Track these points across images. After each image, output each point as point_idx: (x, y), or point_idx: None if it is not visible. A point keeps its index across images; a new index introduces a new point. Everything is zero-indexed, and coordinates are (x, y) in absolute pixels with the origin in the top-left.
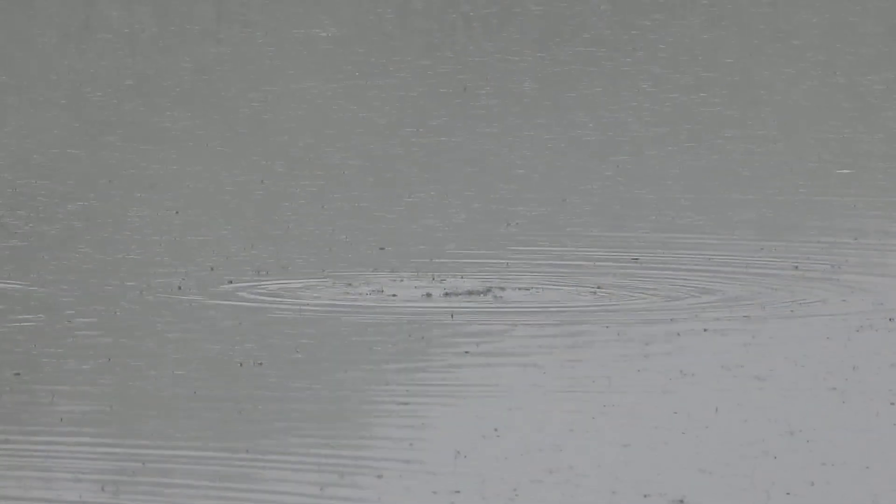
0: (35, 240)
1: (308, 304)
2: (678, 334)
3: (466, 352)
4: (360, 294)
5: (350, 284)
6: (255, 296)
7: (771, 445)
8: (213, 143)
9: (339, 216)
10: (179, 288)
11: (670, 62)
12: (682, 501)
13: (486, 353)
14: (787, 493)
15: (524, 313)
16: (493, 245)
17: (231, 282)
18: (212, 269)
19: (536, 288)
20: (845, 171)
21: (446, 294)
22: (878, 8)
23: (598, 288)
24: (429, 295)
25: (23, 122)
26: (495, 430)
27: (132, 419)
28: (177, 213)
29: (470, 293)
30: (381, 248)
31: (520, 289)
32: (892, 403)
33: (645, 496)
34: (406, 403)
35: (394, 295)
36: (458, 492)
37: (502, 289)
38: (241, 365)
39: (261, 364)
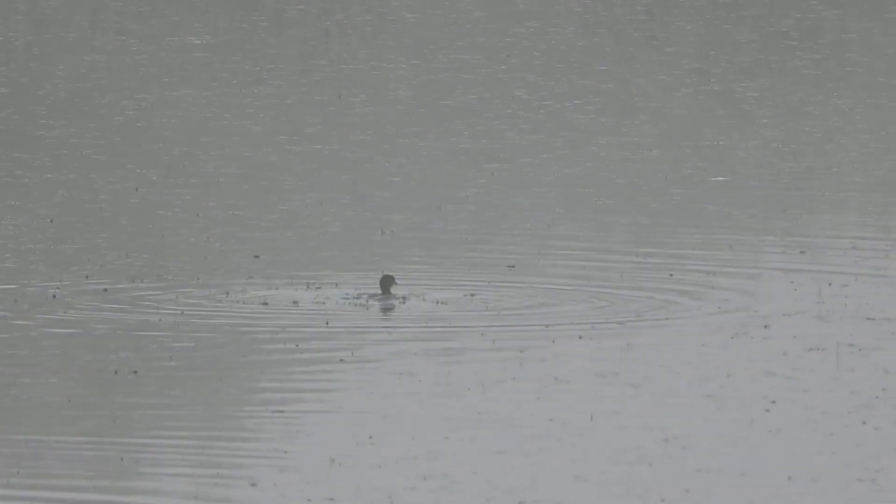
0: None
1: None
2: (553, 341)
3: (341, 359)
4: (235, 302)
5: (228, 294)
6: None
7: (646, 452)
8: (88, 150)
9: (214, 224)
10: (55, 296)
11: (545, 69)
12: None
13: (361, 361)
14: (662, 500)
15: (399, 320)
16: (368, 253)
17: (106, 290)
18: (87, 276)
19: (413, 295)
20: (720, 178)
21: (321, 301)
22: (753, 16)
23: (473, 295)
24: (295, 303)
25: None
26: (370, 437)
27: (7, 427)
28: (51, 221)
29: (345, 300)
30: (256, 256)
31: (395, 296)
32: (767, 410)
33: (520, 503)
34: (281, 411)
35: (265, 303)
36: (333, 499)
37: (377, 295)
38: (115, 373)
39: (136, 372)
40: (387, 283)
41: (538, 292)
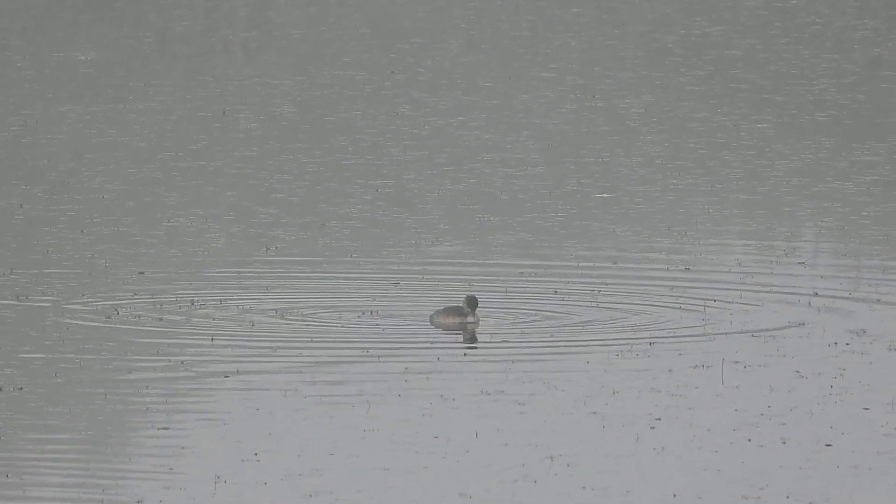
0: None
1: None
2: (438, 358)
3: (226, 376)
4: (122, 318)
5: (118, 312)
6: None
7: (531, 470)
8: None
9: (98, 240)
10: None
11: (429, 86)
12: None
13: (246, 378)
14: None
15: (285, 338)
16: (252, 269)
17: None
18: None
19: (298, 312)
20: (604, 194)
21: (210, 318)
22: (637, 32)
23: (362, 314)
24: (189, 319)
25: None
26: (255, 454)
27: None
28: None
29: (231, 317)
30: (141, 273)
31: (280, 314)
32: (652, 428)
33: None
34: (166, 428)
35: (161, 319)
36: None
37: (261, 313)
38: (1, 389)
39: (21, 388)
40: (471, 304)
41: (422, 309)
